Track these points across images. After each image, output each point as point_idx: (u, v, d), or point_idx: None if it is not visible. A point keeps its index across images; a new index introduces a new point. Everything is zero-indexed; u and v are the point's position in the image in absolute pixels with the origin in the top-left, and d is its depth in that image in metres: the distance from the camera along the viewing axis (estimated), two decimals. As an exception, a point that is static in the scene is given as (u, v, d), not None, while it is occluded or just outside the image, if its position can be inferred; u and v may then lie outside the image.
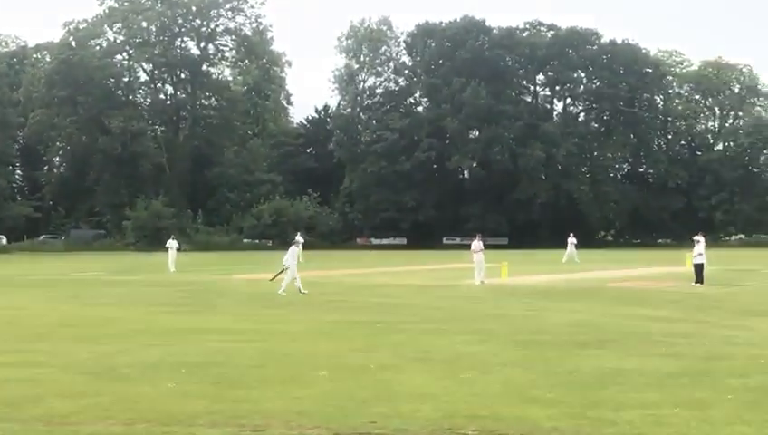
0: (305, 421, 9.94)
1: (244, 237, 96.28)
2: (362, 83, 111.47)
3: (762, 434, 9.23)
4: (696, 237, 36.12)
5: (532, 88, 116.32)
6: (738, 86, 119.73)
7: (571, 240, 56.84)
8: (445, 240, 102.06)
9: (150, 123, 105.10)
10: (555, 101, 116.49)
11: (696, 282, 33.67)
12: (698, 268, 34.28)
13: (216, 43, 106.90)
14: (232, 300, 28.03)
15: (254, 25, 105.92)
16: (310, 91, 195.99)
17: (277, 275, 31.19)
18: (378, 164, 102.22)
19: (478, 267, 35.81)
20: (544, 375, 12.76)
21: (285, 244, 71.18)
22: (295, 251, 31.85)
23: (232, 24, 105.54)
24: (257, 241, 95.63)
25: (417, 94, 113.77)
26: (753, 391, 11.48)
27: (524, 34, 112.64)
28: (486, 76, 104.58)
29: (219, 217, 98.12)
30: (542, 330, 18.74)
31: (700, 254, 34.58)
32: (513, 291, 31.75)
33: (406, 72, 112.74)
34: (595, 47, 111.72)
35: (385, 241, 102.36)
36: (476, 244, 36.65)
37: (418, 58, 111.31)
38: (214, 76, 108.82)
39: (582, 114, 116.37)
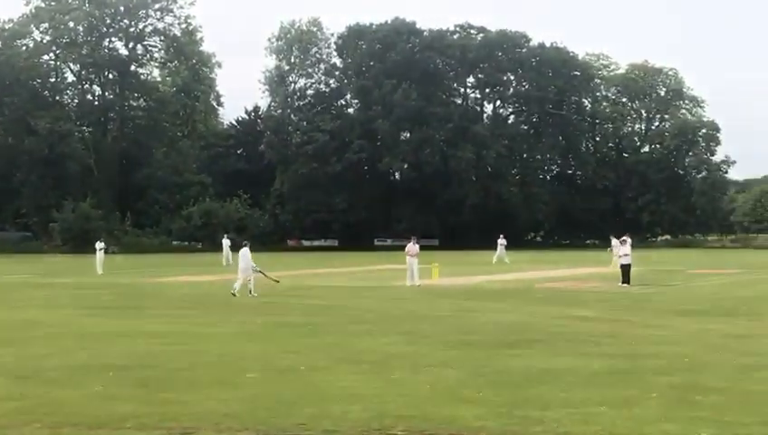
0: (234, 424, 9.90)
1: (173, 240, 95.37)
2: (293, 85, 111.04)
3: (687, 431, 9.38)
4: (624, 238, 36.71)
5: (462, 90, 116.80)
6: (664, 89, 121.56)
7: (501, 241, 57.27)
8: (376, 241, 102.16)
9: (78, 124, 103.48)
10: (485, 103, 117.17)
11: (622, 282, 34.16)
12: (625, 269, 34.74)
13: (145, 43, 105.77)
14: (161, 302, 27.77)
15: (183, 26, 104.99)
16: (240, 93, 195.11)
17: (269, 277, 32.00)
18: (308, 165, 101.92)
19: (411, 269, 35.28)
20: (473, 375, 12.86)
21: (216, 246, 70.83)
22: (246, 256, 31.33)
23: (161, 25, 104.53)
24: (187, 243, 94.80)
25: (348, 96, 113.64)
26: (677, 388, 11.68)
27: (455, 37, 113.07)
28: (417, 78, 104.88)
29: (148, 218, 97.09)
30: (471, 330, 18.86)
31: (626, 254, 35.09)
32: (444, 292, 31.91)
33: (336, 73, 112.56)
34: (524, 50, 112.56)
35: (316, 243, 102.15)
36: (411, 246, 36.06)
37: (349, 60, 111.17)
38: (142, 77, 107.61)
39: (512, 116, 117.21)
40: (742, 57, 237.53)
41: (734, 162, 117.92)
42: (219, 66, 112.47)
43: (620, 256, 35.49)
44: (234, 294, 29.27)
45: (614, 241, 53.77)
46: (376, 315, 22.64)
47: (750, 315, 22.71)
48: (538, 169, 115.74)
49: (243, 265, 30.82)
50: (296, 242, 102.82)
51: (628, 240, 36.56)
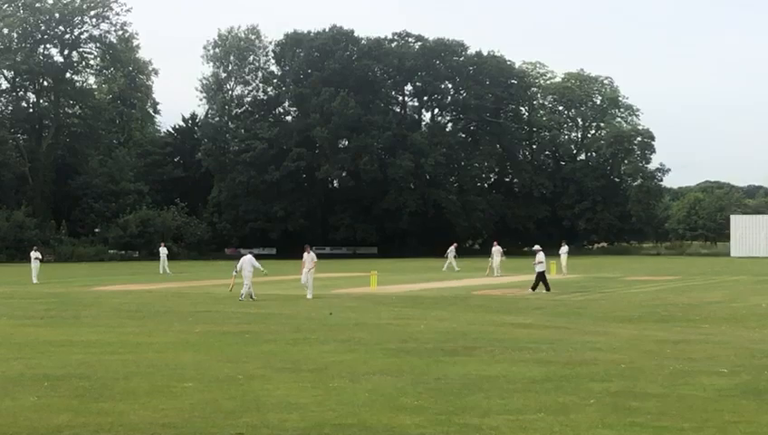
0: (171, 433, 9.78)
1: (109, 248, 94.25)
2: (230, 92, 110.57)
3: (622, 437, 9.46)
4: (536, 247, 37.16)
5: (400, 98, 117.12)
6: (600, 98, 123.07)
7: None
8: (315, 250, 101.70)
9: (12, 132, 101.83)
10: (423, 111, 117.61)
11: (533, 288, 34.63)
12: (540, 276, 35.00)
13: (81, 50, 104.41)
14: (97, 312, 27.38)
15: (120, 33, 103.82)
16: (177, 100, 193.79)
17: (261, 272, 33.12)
18: (246, 174, 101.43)
19: (307, 280, 33.26)
20: (412, 383, 12.83)
21: (152, 255, 70.31)
22: (252, 261, 32.72)
23: (96, 32, 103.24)
24: (123, 252, 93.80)
25: (286, 104, 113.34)
26: (614, 395, 11.76)
27: (392, 45, 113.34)
28: (355, 86, 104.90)
29: (84, 227, 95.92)
30: (410, 338, 18.85)
31: (540, 262, 35.36)
32: (382, 300, 31.90)
33: (274, 81, 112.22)
34: (462, 59, 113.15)
35: (254, 251, 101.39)
36: (307, 256, 33.87)
37: (287, 67, 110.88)
38: (78, 84, 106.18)
39: (450, 124, 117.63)
40: (675, 67, 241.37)
41: (669, 170, 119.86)
42: (156, 73, 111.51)
43: (535, 264, 35.72)
44: (251, 299, 30.90)
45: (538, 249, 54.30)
46: (314, 323, 22.55)
47: (685, 321, 23.02)
48: (476, 177, 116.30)
49: (247, 272, 31.99)
50: (234, 250, 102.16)
51: (540, 249, 36.85)
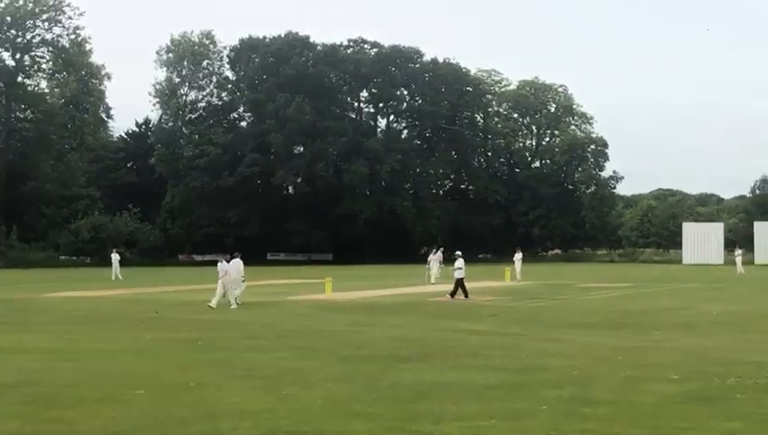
0: (122, 442, 9.69)
1: (61, 254, 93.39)
2: (184, 97, 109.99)
3: (574, 443, 9.50)
4: (457, 252, 37.20)
5: (356, 105, 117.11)
6: (554, 105, 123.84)
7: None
8: (269, 256, 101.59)
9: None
10: (379, 117, 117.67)
11: (452, 295, 34.68)
12: (459, 283, 35.04)
13: (32, 54, 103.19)
14: (48, 318, 27.11)
15: (72, 37, 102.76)
16: (131, 105, 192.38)
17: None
18: (200, 179, 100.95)
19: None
20: (366, 390, 12.81)
21: (104, 260, 69.60)
22: (238, 266, 32.55)
23: (49, 36, 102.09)
24: (75, 258, 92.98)
25: (241, 109, 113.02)
26: (566, 401, 11.80)
27: (348, 51, 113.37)
28: (311, 92, 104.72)
29: (35, 232, 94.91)
30: (364, 345, 18.84)
31: (460, 268, 35.41)
32: (337, 306, 31.83)
33: (229, 86, 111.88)
34: (417, 65, 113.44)
35: (208, 257, 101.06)
36: (227, 264, 32.16)
37: (242, 73, 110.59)
38: (30, 88, 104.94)
39: (405, 131, 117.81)
40: (629, 76, 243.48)
41: (622, 178, 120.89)
42: (109, 78, 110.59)
43: (454, 270, 35.74)
44: (236, 305, 30.74)
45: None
46: (268, 330, 22.46)
47: (637, 328, 23.18)
48: (431, 184, 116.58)
49: (234, 277, 31.77)
50: (187, 257, 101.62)
51: (460, 254, 36.87)
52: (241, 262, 32.99)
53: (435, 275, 50.32)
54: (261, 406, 11.55)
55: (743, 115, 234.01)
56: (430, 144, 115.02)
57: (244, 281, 32.99)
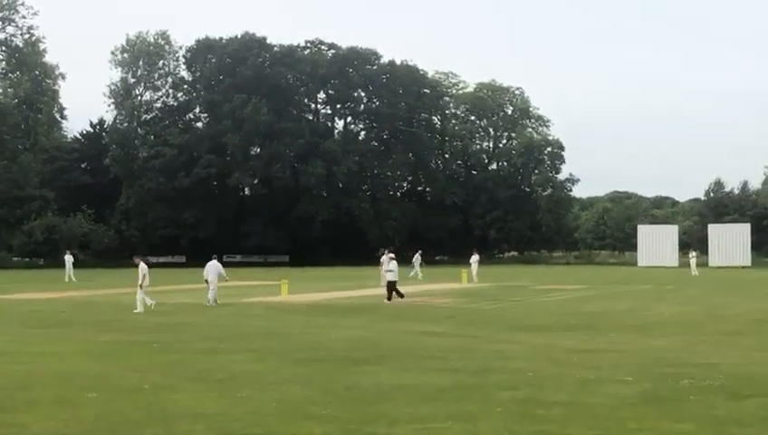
0: (74, 445, 9.60)
1: (13, 256, 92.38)
2: (139, 98, 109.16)
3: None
4: (390, 254, 36.99)
5: (313, 106, 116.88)
6: (511, 108, 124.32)
7: (387, 257, 54.82)
8: (225, 258, 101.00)
9: None
10: (336, 119, 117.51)
11: (388, 299, 34.49)
12: (390, 285, 35.03)
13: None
14: (-1, 321, 26.82)
15: (26, 36, 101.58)
16: (85, 106, 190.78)
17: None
18: (156, 180, 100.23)
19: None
20: (321, 392, 12.79)
21: (58, 262, 68.95)
22: (218, 266, 34.31)
23: (2, 35, 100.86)
24: (28, 259, 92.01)
25: (197, 110, 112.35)
26: (521, 403, 11.85)
27: (305, 53, 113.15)
28: (268, 93, 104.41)
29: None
30: (320, 347, 18.80)
31: (391, 271, 35.36)
32: (293, 308, 31.78)
33: (185, 87, 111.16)
34: (375, 67, 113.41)
35: (163, 259, 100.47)
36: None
37: (198, 73, 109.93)
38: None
39: (363, 133, 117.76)
40: (585, 79, 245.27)
41: (578, 180, 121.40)
42: (63, 78, 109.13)
43: (386, 272, 35.61)
44: (214, 304, 32.39)
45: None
46: (224, 332, 22.35)
47: (592, 330, 23.31)
48: (388, 186, 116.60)
49: (212, 277, 33.37)
50: (142, 258, 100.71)
51: (389, 256, 36.74)
52: (219, 264, 34.68)
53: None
54: (215, 409, 11.49)
55: (698, 119, 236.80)
56: (388, 146, 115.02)
57: (227, 280, 35.10)
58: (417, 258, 59.66)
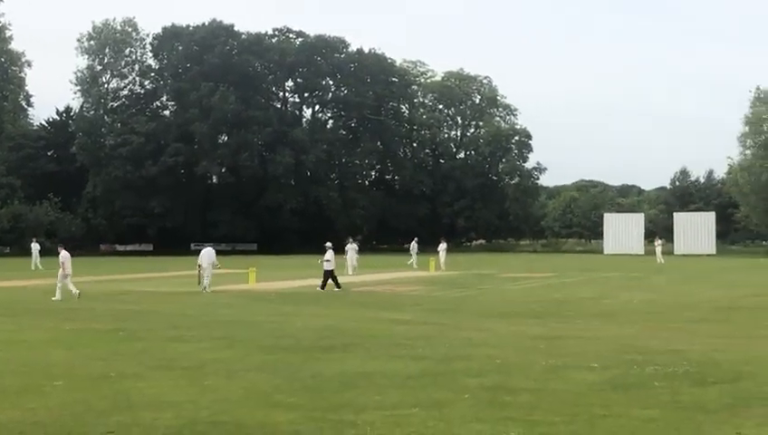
0: (40, 433, 9.53)
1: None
2: (106, 85, 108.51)
3: (496, 431, 9.51)
4: (327, 243, 37.00)
5: (281, 94, 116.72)
6: (479, 97, 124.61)
7: (352, 245, 54.54)
8: (193, 246, 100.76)
9: None
10: (304, 107, 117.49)
11: (322, 287, 34.61)
12: (329, 274, 35.08)
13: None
14: (-37, 309, 26.56)
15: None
16: (51, 93, 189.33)
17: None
18: (123, 168, 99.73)
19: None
20: (288, 380, 12.75)
21: (24, 250, 68.54)
22: (212, 253, 35.23)
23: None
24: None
25: (164, 98, 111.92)
26: (489, 390, 11.86)
27: (273, 41, 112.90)
28: (235, 81, 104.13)
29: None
30: (287, 335, 18.76)
31: (328, 261, 35.39)
32: (260, 296, 31.72)
33: (152, 74, 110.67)
34: (343, 56, 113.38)
35: (130, 247, 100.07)
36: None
37: (165, 61, 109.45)
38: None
39: (331, 121, 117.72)
40: (552, 68, 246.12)
41: (545, 169, 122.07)
42: (29, 65, 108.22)
43: (323, 262, 35.59)
44: (205, 290, 33.15)
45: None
46: (190, 321, 22.25)
47: (558, 317, 23.42)
48: (356, 174, 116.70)
49: (206, 264, 34.37)
50: (109, 247, 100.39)
51: (331, 247, 36.71)
52: (213, 250, 35.64)
53: (351, 266, 49.73)
54: (181, 397, 11.44)
55: (663, 108, 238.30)
56: (356, 134, 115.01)
57: (218, 267, 35.90)
58: (413, 247, 59.50)
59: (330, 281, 34.93)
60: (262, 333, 19.29)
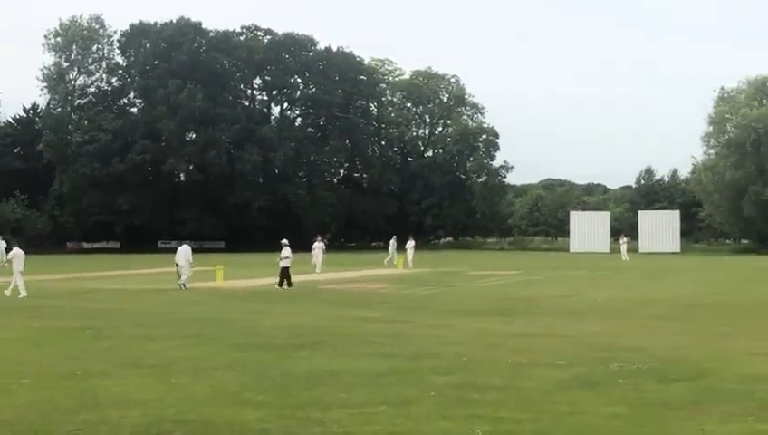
0: (6, 431, 9.51)
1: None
2: (73, 82, 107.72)
3: (463, 429, 9.59)
4: (284, 240, 36.98)
5: (249, 92, 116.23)
6: (446, 95, 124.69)
7: (319, 244, 54.14)
8: (160, 244, 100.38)
9: None
10: (272, 105, 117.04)
11: (279, 285, 34.69)
12: (284, 272, 35.16)
13: None
14: (-72, 308, 26.36)
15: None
16: (18, 90, 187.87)
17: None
18: (90, 166, 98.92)
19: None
20: (257, 378, 12.78)
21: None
22: (188, 251, 35.81)
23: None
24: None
25: (132, 95, 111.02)
26: (456, 388, 11.93)
27: (241, 38, 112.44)
28: (203, 79, 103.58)
29: None
30: (256, 333, 18.77)
31: (286, 258, 35.46)
32: (230, 294, 31.70)
33: (119, 72, 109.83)
34: (311, 53, 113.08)
35: (97, 245, 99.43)
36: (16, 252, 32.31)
37: (132, 58, 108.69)
38: None
39: (299, 119, 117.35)
40: (519, 68, 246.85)
41: (512, 168, 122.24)
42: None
43: (281, 259, 35.65)
44: (183, 287, 33.74)
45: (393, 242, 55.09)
46: (159, 319, 22.21)
47: (525, 315, 23.57)
48: (325, 172, 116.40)
49: (183, 262, 35.00)
50: (76, 244, 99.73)
51: (287, 243, 36.75)
52: (189, 248, 36.16)
53: (319, 265, 49.57)
54: (149, 395, 11.44)
55: (629, 107, 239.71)
56: (324, 132, 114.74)
57: (193, 266, 36.13)
58: (392, 244, 59.37)
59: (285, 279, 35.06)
60: (231, 331, 19.29)
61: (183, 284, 34.25)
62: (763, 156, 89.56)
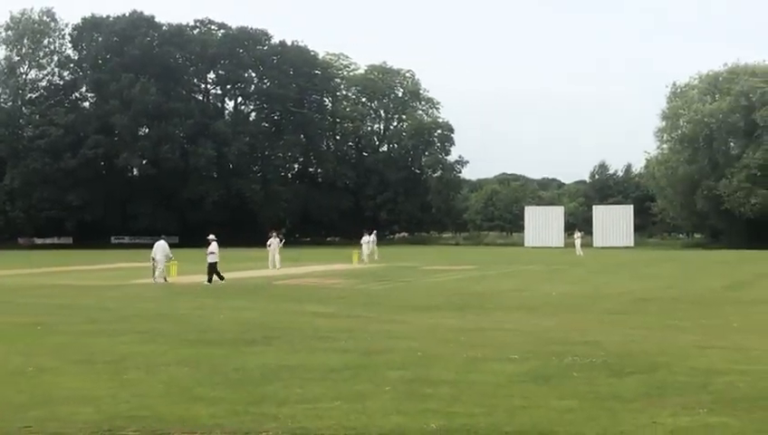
0: (-46, 430, 9.38)
1: None
2: (24, 76, 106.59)
3: (416, 423, 9.58)
4: (211, 236, 36.98)
5: (203, 86, 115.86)
6: (402, 90, 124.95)
7: (275, 239, 53.72)
8: (113, 239, 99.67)
9: None
10: (227, 99, 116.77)
11: (209, 281, 34.76)
12: (212, 267, 35.22)
13: None
14: None
15: None
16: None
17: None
18: (41, 161, 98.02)
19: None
20: (209, 374, 12.71)
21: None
22: (165, 246, 36.51)
23: None
24: None
25: (84, 89, 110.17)
26: (409, 382, 11.93)
27: (195, 32, 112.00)
28: (156, 73, 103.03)
29: None
30: (209, 328, 18.67)
31: (213, 253, 35.52)
32: (183, 290, 31.52)
33: (71, 65, 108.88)
34: (265, 48, 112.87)
35: (49, 241, 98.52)
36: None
37: (84, 52, 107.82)
38: None
39: (254, 114, 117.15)
40: (474, 62, 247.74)
41: (467, 162, 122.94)
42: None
43: (207, 254, 35.72)
44: (157, 282, 34.59)
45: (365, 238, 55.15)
46: (111, 314, 22.02)
47: (479, 310, 23.62)
48: (280, 167, 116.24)
49: (159, 257, 35.81)
50: (28, 240, 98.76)
51: (214, 239, 36.73)
52: (166, 244, 36.98)
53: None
54: (101, 391, 11.33)
55: (584, 103, 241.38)
56: (279, 127, 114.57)
57: (171, 260, 37.22)
58: (365, 240, 59.07)
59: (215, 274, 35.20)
60: (184, 326, 19.17)
61: (164, 278, 35.48)
62: (715, 151, 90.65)
